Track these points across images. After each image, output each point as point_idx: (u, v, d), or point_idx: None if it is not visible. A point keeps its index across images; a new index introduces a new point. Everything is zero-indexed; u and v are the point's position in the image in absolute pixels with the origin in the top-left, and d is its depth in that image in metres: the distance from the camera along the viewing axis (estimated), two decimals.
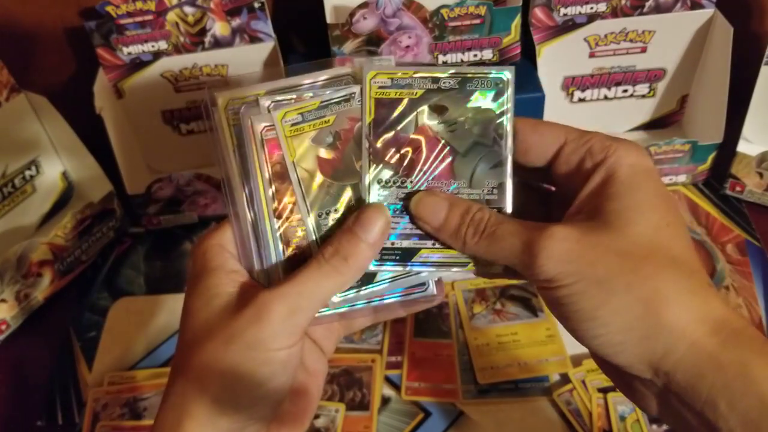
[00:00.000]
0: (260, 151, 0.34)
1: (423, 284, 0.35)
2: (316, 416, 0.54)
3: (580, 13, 0.64)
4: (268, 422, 0.33)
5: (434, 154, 0.34)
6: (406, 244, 0.34)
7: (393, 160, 0.34)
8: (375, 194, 0.34)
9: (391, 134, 0.34)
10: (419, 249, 0.34)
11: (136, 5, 0.63)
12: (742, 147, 0.65)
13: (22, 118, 0.67)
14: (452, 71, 0.34)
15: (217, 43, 0.66)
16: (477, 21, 0.61)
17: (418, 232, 0.34)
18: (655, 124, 0.72)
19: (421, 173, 0.34)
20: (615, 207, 0.30)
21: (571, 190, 0.33)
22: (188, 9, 0.64)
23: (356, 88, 0.34)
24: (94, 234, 0.69)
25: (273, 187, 0.34)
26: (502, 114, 0.34)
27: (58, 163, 0.71)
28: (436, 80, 0.34)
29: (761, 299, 0.59)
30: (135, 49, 0.65)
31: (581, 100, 0.70)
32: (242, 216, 0.34)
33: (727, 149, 0.66)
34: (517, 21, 0.61)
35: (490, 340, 0.58)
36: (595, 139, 0.32)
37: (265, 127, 0.34)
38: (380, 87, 0.34)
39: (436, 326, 0.60)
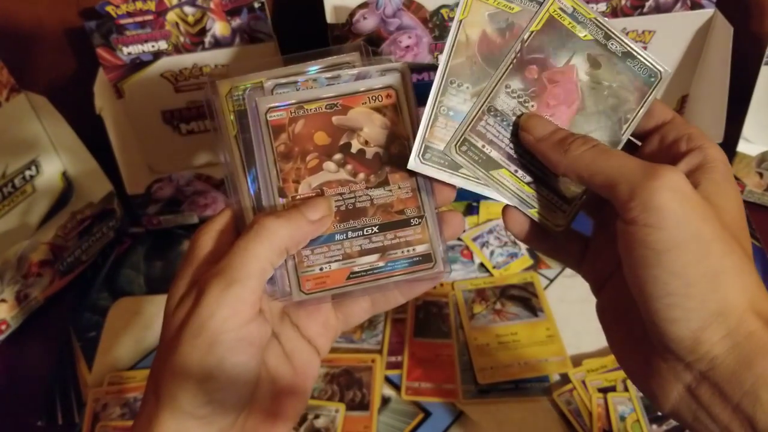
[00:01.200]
0: (266, 132, 0.34)
1: (429, 260, 0.35)
2: (316, 416, 0.54)
3: None
4: (243, 411, 0.32)
5: (565, 96, 0.35)
6: (494, 155, 0.34)
7: (530, 77, 0.34)
8: (500, 96, 0.34)
9: (543, 55, 0.34)
10: (501, 167, 0.35)
11: (136, 5, 0.63)
12: (742, 147, 0.65)
13: (22, 118, 0.67)
14: (625, 39, 0.34)
15: (217, 43, 0.66)
16: None
17: (510, 151, 0.34)
18: None
19: (545, 105, 0.35)
20: (715, 190, 0.30)
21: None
22: (188, 9, 0.64)
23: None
24: (94, 234, 0.69)
25: (278, 166, 0.35)
26: (640, 103, 0.34)
27: (58, 163, 0.71)
28: (608, 37, 0.35)
29: None
30: (135, 49, 0.65)
31: None
32: (244, 202, 0.35)
33: (727, 149, 0.65)
34: None
35: (490, 340, 0.58)
36: (696, 128, 0.33)
37: (270, 108, 0.34)
38: (561, 8, 0.35)
39: (436, 326, 0.60)
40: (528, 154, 0.34)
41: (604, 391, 0.54)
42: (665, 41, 0.65)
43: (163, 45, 0.65)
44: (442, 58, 0.34)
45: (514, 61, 0.34)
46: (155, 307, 0.65)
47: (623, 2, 0.63)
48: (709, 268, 0.27)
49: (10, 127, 0.66)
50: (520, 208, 0.35)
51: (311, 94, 0.35)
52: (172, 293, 0.33)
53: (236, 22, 0.65)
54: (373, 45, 0.63)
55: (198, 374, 0.30)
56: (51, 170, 0.70)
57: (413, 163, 0.34)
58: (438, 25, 0.62)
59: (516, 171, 0.35)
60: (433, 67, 0.64)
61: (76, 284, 0.68)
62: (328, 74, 0.35)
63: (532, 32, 0.34)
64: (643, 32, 0.65)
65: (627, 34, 0.65)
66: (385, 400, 0.55)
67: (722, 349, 0.27)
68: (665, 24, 0.64)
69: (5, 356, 0.62)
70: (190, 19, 0.64)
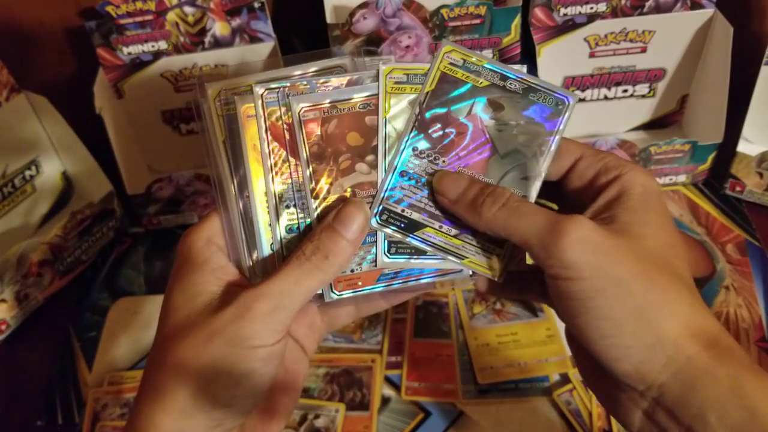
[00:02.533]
0: (299, 132, 0.34)
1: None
2: (316, 416, 0.54)
3: (580, 13, 0.64)
4: (245, 418, 0.33)
5: (475, 144, 0.35)
6: (415, 216, 0.35)
7: (435, 135, 0.35)
8: (406, 160, 0.35)
9: (443, 111, 0.35)
10: (425, 226, 0.35)
11: (136, 5, 0.63)
12: (742, 147, 0.65)
13: (22, 118, 0.67)
14: (522, 76, 0.35)
15: (217, 43, 0.66)
16: (477, 21, 0.61)
17: (431, 209, 0.35)
18: (655, 124, 0.72)
19: (456, 157, 0.35)
20: (631, 219, 0.31)
21: (581, 204, 0.34)
22: (188, 9, 0.64)
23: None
24: (94, 234, 0.69)
25: (311, 167, 0.34)
26: (551, 134, 0.34)
27: (58, 163, 0.71)
28: (504, 78, 0.35)
29: (761, 299, 0.59)
30: (135, 49, 0.65)
31: (581, 100, 0.70)
32: (231, 208, 0.34)
33: (727, 149, 0.66)
34: (517, 21, 0.61)
35: (490, 340, 0.58)
36: (610, 157, 0.33)
37: (304, 107, 0.34)
38: (451, 63, 0.35)
39: (436, 326, 0.60)
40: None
41: None
42: (665, 41, 0.66)
43: (163, 45, 0.65)
44: (379, 157, 0.35)
45: (416, 123, 0.35)
46: (155, 307, 0.65)
47: (623, 2, 0.63)
48: (634, 306, 0.28)
49: (10, 127, 0.66)
50: (453, 262, 0.35)
51: (344, 94, 0.35)
52: (185, 297, 0.32)
53: (236, 22, 0.65)
54: (373, 45, 0.63)
55: (224, 380, 0.30)
56: (51, 170, 0.70)
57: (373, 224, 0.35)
58: (438, 25, 0.62)
59: (440, 227, 0.35)
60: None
61: (76, 284, 0.68)
62: (321, 78, 0.35)
63: (427, 93, 0.35)
64: (643, 32, 0.65)
65: (627, 34, 0.65)
66: (385, 400, 0.55)
67: (666, 376, 0.28)
68: (665, 24, 0.64)
69: (5, 356, 0.62)
70: (190, 19, 0.64)
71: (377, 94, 0.35)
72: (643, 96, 0.70)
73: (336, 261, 0.32)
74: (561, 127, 0.34)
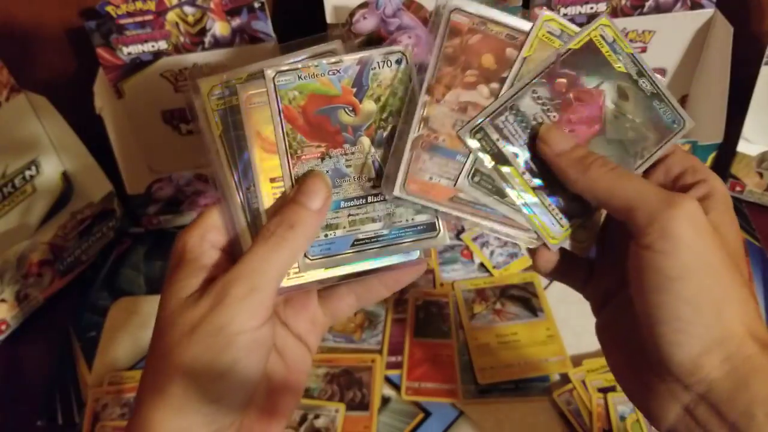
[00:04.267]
0: (442, 29, 0.35)
1: (434, 229, 0.35)
2: (316, 416, 0.54)
3: (580, 13, 0.64)
4: (242, 411, 0.33)
5: (588, 116, 0.35)
6: (506, 150, 0.34)
7: (559, 89, 0.35)
8: (525, 98, 0.35)
9: (575, 72, 0.35)
10: (510, 164, 0.34)
11: (136, 5, 0.63)
12: (742, 147, 0.65)
13: (22, 118, 0.67)
14: (656, 80, 0.35)
15: (217, 43, 0.66)
16: None
17: (523, 152, 0.34)
18: None
19: (567, 120, 0.35)
20: (719, 220, 0.31)
21: None
22: (188, 9, 0.64)
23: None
24: (94, 234, 0.69)
25: (438, 65, 0.35)
26: (657, 144, 0.35)
27: (58, 163, 0.71)
28: (641, 74, 0.35)
29: (761, 299, 0.59)
30: (135, 49, 0.65)
31: None
32: (233, 201, 0.34)
33: (727, 149, 0.66)
34: None
35: (490, 340, 0.58)
36: (698, 160, 0.34)
37: (456, 8, 0.35)
38: (601, 35, 0.35)
39: (436, 326, 0.60)
40: (539, 162, 0.34)
41: (604, 391, 0.54)
42: (665, 41, 0.66)
43: (163, 45, 0.65)
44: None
45: (547, 70, 0.35)
46: (155, 307, 0.64)
47: (623, 2, 0.63)
48: (717, 297, 0.28)
49: (10, 127, 0.66)
50: (517, 217, 0.35)
51: (501, 16, 0.36)
52: (172, 294, 0.33)
53: (236, 22, 0.65)
54: (373, 45, 0.63)
55: (209, 374, 0.30)
56: (51, 170, 0.70)
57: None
58: None
59: (524, 173, 0.35)
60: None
61: (76, 284, 0.68)
62: (332, 59, 0.35)
63: (569, 49, 0.35)
64: (643, 32, 0.65)
65: (627, 34, 0.65)
66: (385, 400, 0.55)
67: (720, 372, 0.28)
68: (665, 24, 0.64)
69: (5, 356, 0.62)
70: (190, 19, 0.64)
71: (528, 33, 0.35)
72: None
73: (301, 230, 0.32)
74: (668, 145, 0.35)
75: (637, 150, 0.35)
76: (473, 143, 0.34)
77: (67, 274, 0.67)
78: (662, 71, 0.68)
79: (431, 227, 0.35)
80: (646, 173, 0.36)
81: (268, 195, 0.35)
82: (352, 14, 0.61)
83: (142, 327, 0.63)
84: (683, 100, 0.70)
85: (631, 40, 0.65)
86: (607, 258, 0.36)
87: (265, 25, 0.65)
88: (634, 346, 0.31)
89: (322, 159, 0.35)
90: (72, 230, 0.66)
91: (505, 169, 0.34)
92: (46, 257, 0.64)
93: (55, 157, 0.70)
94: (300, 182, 0.34)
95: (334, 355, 0.59)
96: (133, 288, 0.67)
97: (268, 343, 0.32)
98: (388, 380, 0.57)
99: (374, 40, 0.63)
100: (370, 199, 0.35)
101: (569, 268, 0.37)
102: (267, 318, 0.31)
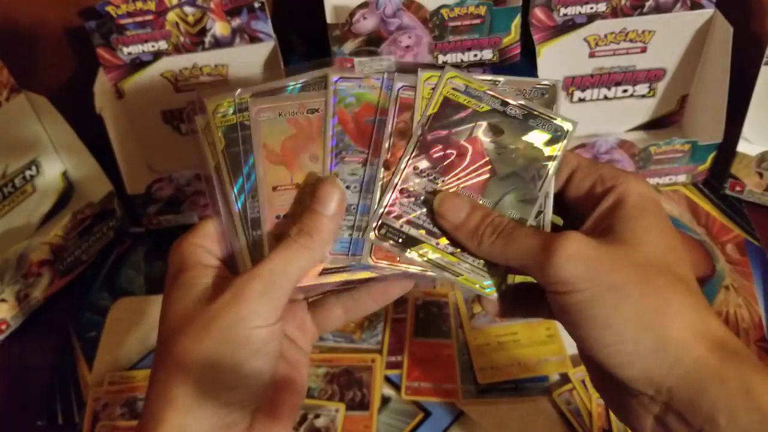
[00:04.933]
0: (392, 107, 0.37)
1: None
2: (316, 416, 0.54)
3: (580, 13, 0.64)
4: (252, 411, 0.33)
5: (474, 166, 0.36)
6: (413, 232, 0.35)
7: (436, 155, 0.36)
8: (408, 178, 0.36)
9: (444, 133, 0.36)
10: (423, 242, 0.35)
11: (136, 5, 0.63)
12: (742, 147, 0.65)
13: (22, 118, 0.67)
14: (521, 102, 0.36)
15: (217, 43, 0.66)
16: (477, 21, 0.61)
17: (428, 226, 0.35)
18: (654, 124, 0.72)
19: (455, 178, 0.36)
20: (627, 227, 0.31)
21: (580, 215, 0.34)
22: (188, 9, 0.64)
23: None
24: (94, 234, 0.69)
25: (391, 140, 0.36)
26: (549, 159, 0.35)
27: (58, 163, 0.71)
28: (504, 104, 0.36)
29: (761, 299, 0.59)
30: (135, 49, 0.65)
31: (581, 100, 0.70)
32: (230, 212, 0.36)
33: (727, 149, 0.66)
34: (516, 21, 0.61)
35: (490, 340, 0.58)
36: (605, 167, 0.34)
37: (403, 86, 0.37)
38: (453, 88, 0.36)
39: (436, 326, 0.60)
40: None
41: None
42: (665, 41, 0.66)
43: (163, 45, 0.65)
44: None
45: (417, 143, 0.36)
46: (155, 307, 0.65)
47: (623, 2, 0.63)
48: (632, 312, 0.29)
49: (10, 127, 0.66)
50: (448, 279, 0.36)
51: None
52: (180, 296, 0.33)
53: (236, 22, 0.65)
54: (373, 45, 0.63)
55: (225, 367, 0.31)
56: (51, 170, 0.70)
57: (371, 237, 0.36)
58: (438, 25, 0.62)
59: (437, 244, 0.35)
60: (433, 67, 0.64)
61: (76, 284, 0.68)
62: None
63: (429, 116, 0.36)
64: (643, 32, 0.65)
65: (627, 34, 0.65)
66: (385, 400, 0.55)
67: (674, 379, 0.28)
68: (665, 24, 0.64)
69: (5, 356, 0.62)
70: (190, 19, 0.64)
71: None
72: (643, 96, 0.70)
73: (320, 237, 0.34)
74: (559, 153, 0.35)
75: (532, 173, 0.35)
76: (382, 243, 0.35)
77: (67, 274, 0.67)
78: (662, 71, 0.68)
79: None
80: (563, 194, 0.36)
81: (270, 202, 0.36)
82: (352, 14, 0.61)
83: (142, 327, 0.63)
84: (683, 100, 0.70)
85: (631, 40, 0.65)
86: None
87: (265, 25, 0.65)
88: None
89: (363, 165, 0.36)
90: (72, 230, 0.66)
91: (421, 249, 0.35)
92: (46, 257, 0.64)
93: (55, 157, 0.70)
94: (315, 189, 0.35)
95: (334, 355, 0.59)
96: (133, 288, 0.67)
97: (280, 340, 0.33)
98: (388, 380, 0.57)
99: (374, 40, 0.63)
100: None
101: (530, 305, 0.37)
102: (280, 316, 0.32)
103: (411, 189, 0.36)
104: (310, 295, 0.40)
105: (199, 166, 0.37)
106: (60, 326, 0.64)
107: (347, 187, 0.36)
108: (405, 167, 0.36)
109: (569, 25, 0.65)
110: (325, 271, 0.36)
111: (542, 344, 0.58)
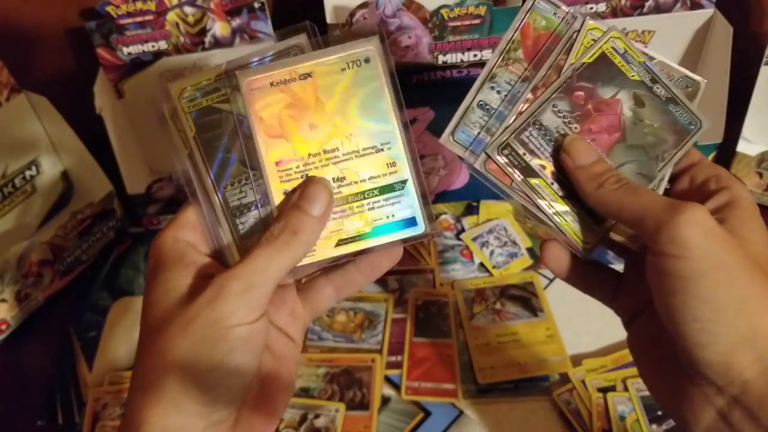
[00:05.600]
0: (563, 45, 0.37)
1: (414, 224, 0.36)
2: (316, 416, 0.54)
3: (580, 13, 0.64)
4: (238, 407, 0.33)
5: (608, 125, 0.36)
6: (533, 163, 0.36)
7: (578, 101, 0.36)
8: (546, 113, 0.36)
9: (591, 85, 0.36)
10: (539, 176, 0.36)
11: (136, 5, 0.63)
12: (742, 147, 0.65)
13: (22, 118, 0.67)
14: (670, 86, 0.37)
15: (217, 43, 0.66)
16: (477, 21, 0.61)
17: (549, 164, 0.36)
18: None
19: (588, 130, 0.36)
20: (741, 224, 0.32)
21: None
22: (188, 9, 0.64)
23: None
24: (94, 234, 0.69)
25: (548, 72, 0.37)
26: (677, 146, 0.36)
27: (58, 163, 0.71)
28: (654, 81, 0.37)
29: None
30: (135, 49, 0.65)
31: None
32: (213, 200, 0.35)
33: (727, 149, 0.66)
34: None
35: (490, 340, 0.58)
36: (724, 170, 0.35)
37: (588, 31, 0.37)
38: (613, 48, 0.37)
39: (436, 326, 0.60)
40: (565, 173, 0.36)
41: (603, 390, 0.54)
42: (665, 41, 0.66)
43: (163, 45, 0.65)
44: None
45: (564, 85, 0.36)
46: None
47: (623, 2, 0.63)
48: (735, 294, 0.29)
49: (10, 127, 0.66)
50: (550, 222, 0.36)
51: None
52: (162, 293, 0.33)
53: (236, 22, 0.65)
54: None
55: (205, 366, 0.30)
56: (51, 170, 0.70)
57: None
58: (438, 25, 0.62)
59: (552, 183, 0.36)
60: (433, 67, 0.64)
61: (76, 284, 0.68)
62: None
63: (584, 63, 0.36)
64: (643, 32, 0.65)
65: (627, 34, 0.65)
66: (385, 400, 0.55)
67: (753, 372, 0.28)
68: (665, 24, 0.64)
69: (5, 356, 0.62)
70: (190, 19, 0.64)
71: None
72: None
73: (304, 237, 0.33)
74: (688, 143, 0.36)
75: (657, 153, 0.36)
76: (500, 158, 0.36)
77: (67, 274, 0.67)
78: None
79: (412, 222, 0.36)
80: (673, 180, 0.37)
81: (273, 176, 0.35)
82: (352, 14, 0.61)
83: None
84: None
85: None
86: (633, 274, 0.37)
87: (265, 25, 0.65)
88: (665, 354, 0.32)
89: (520, 79, 0.37)
90: (72, 230, 0.66)
91: (534, 181, 0.36)
92: (46, 257, 0.64)
93: (55, 157, 0.70)
94: (303, 186, 0.34)
95: (334, 354, 0.59)
96: (133, 288, 0.67)
97: (263, 336, 0.32)
98: (388, 380, 0.57)
99: None
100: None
101: (596, 282, 0.38)
102: (262, 313, 0.32)
103: (545, 123, 0.36)
104: (299, 277, 0.39)
105: (173, 161, 0.36)
106: (60, 326, 0.64)
107: (497, 92, 0.37)
108: (546, 101, 0.36)
109: None
110: (341, 242, 0.35)
111: (542, 344, 0.58)
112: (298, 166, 0.35)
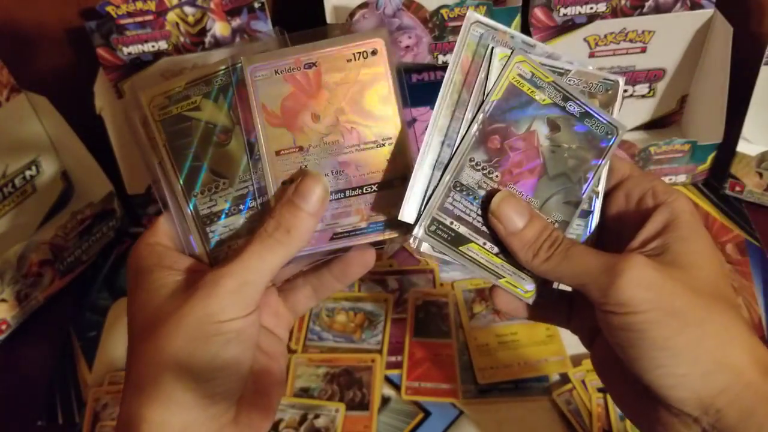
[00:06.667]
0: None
1: (400, 225, 0.35)
2: (316, 416, 0.54)
3: (579, 13, 0.64)
4: (235, 400, 0.33)
5: (528, 163, 0.35)
6: (462, 230, 0.35)
7: (493, 147, 0.34)
8: (465, 170, 0.34)
9: (504, 123, 0.34)
10: (471, 241, 0.35)
11: (136, 5, 0.63)
12: (741, 147, 0.65)
13: (22, 118, 0.67)
14: (583, 101, 0.35)
15: (218, 44, 0.66)
16: None
17: (477, 225, 0.35)
18: (654, 124, 0.72)
19: (509, 174, 0.35)
20: (684, 249, 0.31)
21: (624, 224, 0.34)
22: (188, 9, 0.64)
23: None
24: (94, 234, 0.69)
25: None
26: (597, 160, 0.35)
27: (58, 163, 0.71)
28: (566, 99, 0.35)
29: (761, 299, 0.59)
30: (135, 49, 0.65)
31: None
32: (183, 208, 0.35)
33: (726, 149, 0.66)
34: (517, 21, 0.61)
35: (490, 340, 0.58)
36: (659, 181, 0.34)
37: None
38: (520, 74, 0.34)
39: (436, 326, 0.60)
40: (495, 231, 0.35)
41: (603, 390, 0.54)
42: (665, 41, 0.66)
43: (163, 45, 0.65)
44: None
45: (477, 133, 0.34)
46: None
47: (623, 2, 0.63)
48: (691, 336, 0.29)
49: (10, 127, 0.66)
50: (491, 280, 0.35)
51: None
52: (150, 294, 0.33)
53: (236, 22, 0.65)
54: None
55: (199, 361, 0.31)
56: (51, 170, 0.70)
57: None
58: (438, 25, 0.62)
59: (484, 243, 0.35)
60: (433, 67, 0.64)
61: (76, 284, 0.68)
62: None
63: (493, 101, 0.34)
64: (643, 32, 0.65)
65: (627, 34, 0.65)
66: (385, 400, 0.55)
67: (723, 402, 0.28)
68: (665, 24, 0.64)
69: (5, 356, 0.62)
70: (190, 19, 0.64)
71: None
72: (643, 96, 0.70)
73: (298, 234, 0.33)
74: (608, 155, 0.35)
75: (580, 175, 0.35)
76: (430, 239, 0.34)
77: (67, 274, 0.67)
78: (662, 71, 0.68)
79: (397, 223, 0.35)
80: (606, 198, 0.36)
81: (274, 167, 0.35)
82: (352, 14, 0.61)
83: None
84: (683, 100, 0.70)
85: (630, 40, 0.65)
86: (582, 296, 0.36)
87: (265, 25, 0.65)
88: (632, 378, 0.32)
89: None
90: (72, 230, 0.66)
91: (465, 248, 0.35)
92: (46, 257, 0.64)
93: (55, 157, 0.70)
94: (298, 182, 0.34)
95: (334, 355, 0.59)
96: None
97: (256, 328, 0.33)
98: (388, 380, 0.57)
99: None
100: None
101: (548, 310, 0.37)
102: (254, 308, 0.32)
103: (465, 183, 0.34)
104: (278, 280, 0.39)
105: (144, 167, 0.36)
106: (60, 326, 0.64)
107: (448, 146, 0.34)
108: (461, 159, 0.34)
109: (569, 26, 0.65)
110: (336, 236, 0.35)
111: (542, 344, 0.58)
112: (297, 157, 0.35)
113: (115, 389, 0.58)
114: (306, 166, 0.35)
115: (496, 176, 0.35)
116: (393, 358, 0.58)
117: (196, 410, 0.31)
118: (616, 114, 0.36)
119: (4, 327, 0.63)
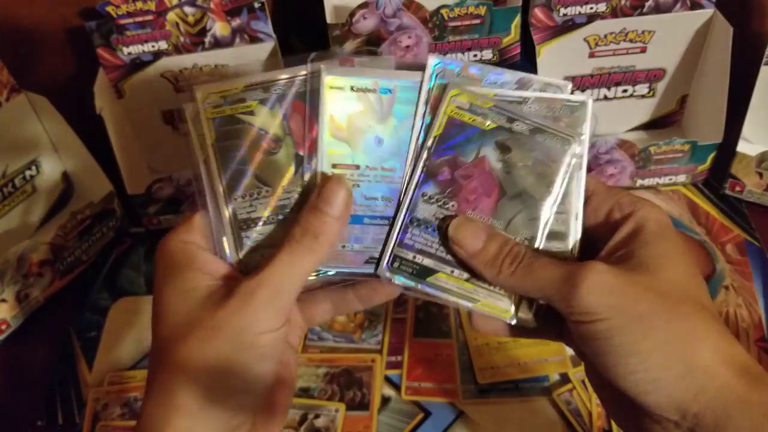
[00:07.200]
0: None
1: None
2: (316, 416, 0.54)
3: (579, 13, 0.64)
4: (255, 413, 0.33)
5: (483, 187, 0.35)
6: (426, 262, 0.35)
7: (443, 179, 0.35)
8: (419, 205, 0.35)
9: (451, 155, 0.35)
10: (437, 271, 0.35)
11: (136, 5, 0.63)
12: (741, 147, 0.65)
13: (22, 118, 0.67)
14: (529, 118, 0.35)
15: (217, 43, 0.66)
16: (477, 21, 0.61)
17: (441, 254, 0.35)
18: (654, 124, 0.72)
19: (465, 201, 0.35)
20: (648, 253, 0.31)
21: (594, 238, 0.34)
22: (188, 9, 0.64)
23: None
24: (94, 234, 0.69)
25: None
26: (562, 171, 0.35)
27: (58, 163, 0.71)
28: (511, 120, 0.35)
29: (761, 299, 0.59)
30: (135, 49, 0.65)
31: None
32: (222, 209, 0.35)
33: (726, 149, 0.66)
34: (516, 21, 0.61)
35: (490, 340, 0.58)
36: (623, 194, 0.34)
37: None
38: (458, 107, 0.35)
39: (436, 326, 0.60)
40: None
41: None
42: (665, 41, 0.66)
43: (163, 45, 0.65)
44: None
45: (424, 168, 0.35)
46: None
47: (623, 2, 0.63)
48: (658, 340, 0.29)
49: (10, 127, 0.66)
50: (465, 306, 0.35)
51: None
52: (180, 297, 0.33)
53: (236, 22, 0.65)
54: (373, 45, 0.63)
55: (237, 368, 0.31)
56: (51, 170, 0.70)
57: (383, 271, 0.35)
58: (438, 25, 0.62)
59: (452, 271, 0.35)
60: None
61: (76, 284, 0.68)
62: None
63: (435, 137, 0.35)
64: (643, 32, 0.65)
65: (627, 34, 0.65)
66: (385, 400, 0.55)
67: (699, 405, 0.28)
68: (665, 24, 0.64)
69: (5, 356, 0.62)
70: (190, 19, 0.64)
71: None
72: (643, 96, 0.70)
73: (326, 239, 0.33)
74: (569, 168, 0.35)
75: (542, 189, 0.35)
76: (396, 276, 0.35)
77: (67, 274, 0.67)
78: (662, 71, 0.68)
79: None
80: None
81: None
82: (352, 14, 0.61)
83: (142, 327, 0.63)
84: (683, 100, 0.70)
85: (630, 40, 0.65)
86: None
87: (265, 25, 0.65)
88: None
89: None
90: (72, 230, 0.66)
91: (434, 279, 0.35)
92: (46, 257, 0.64)
93: (55, 157, 0.70)
94: (321, 187, 0.34)
95: (334, 355, 0.59)
96: (133, 288, 0.67)
97: (284, 343, 0.33)
98: (388, 380, 0.57)
99: (374, 40, 0.63)
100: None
101: (538, 329, 0.37)
102: (285, 321, 0.32)
103: (421, 217, 0.35)
104: (320, 283, 0.39)
105: (189, 163, 0.36)
106: (60, 326, 0.64)
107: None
108: (412, 195, 0.35)
109: (569, 26, 0.65)
110: (371, 259, 0.35)
111: (542, 344, 0.58)
112: (352, 174, 0.35)
113: (116, 389, 0.58)
114: (359, 186, 0.35)
115: (452, 205, 0.35)
116: (393, 358, 0.58)
117: (221, 421, 0.31)
118: (588, 133, 0.35)
119: (4, 327, 0.63)
